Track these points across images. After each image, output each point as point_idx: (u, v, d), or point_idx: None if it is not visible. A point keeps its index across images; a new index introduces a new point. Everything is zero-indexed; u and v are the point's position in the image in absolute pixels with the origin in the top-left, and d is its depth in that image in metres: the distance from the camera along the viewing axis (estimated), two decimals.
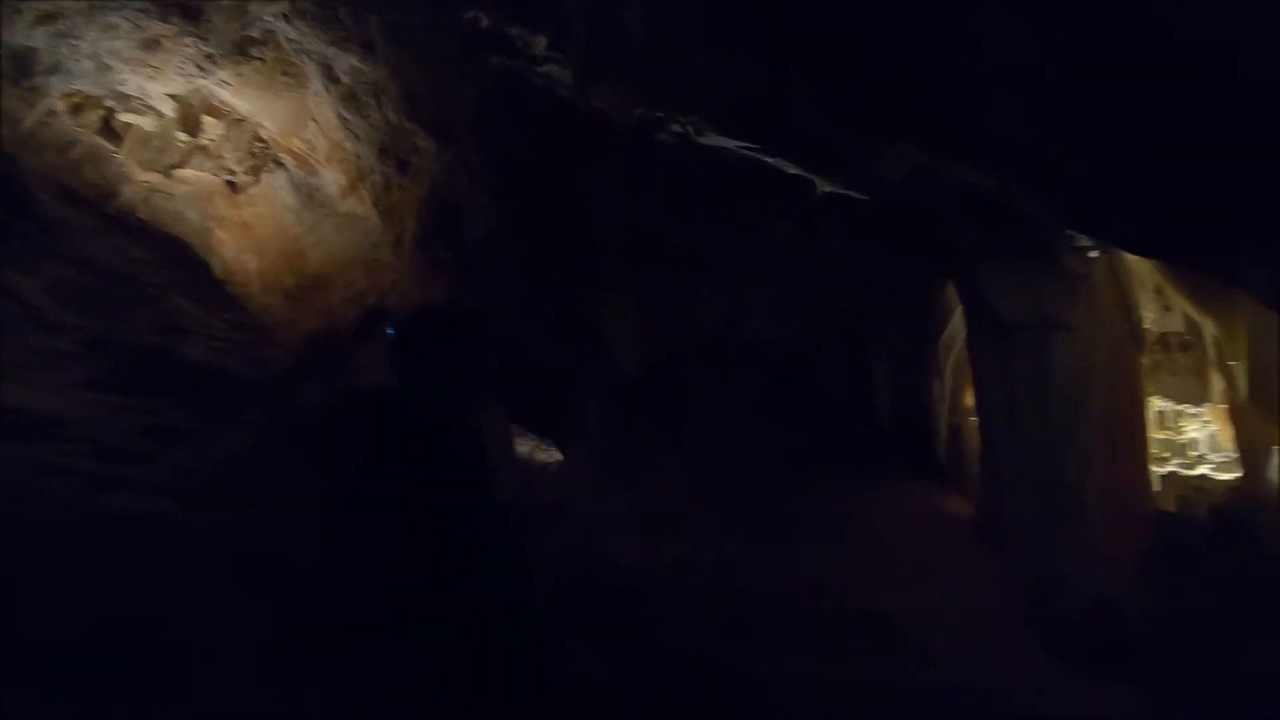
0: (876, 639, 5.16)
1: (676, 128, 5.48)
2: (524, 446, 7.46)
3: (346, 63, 7.14)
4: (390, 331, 2.33)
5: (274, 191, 8.82)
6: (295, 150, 8.43)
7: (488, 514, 2.16)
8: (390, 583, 2.13)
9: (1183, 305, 6.80)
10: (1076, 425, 6.59)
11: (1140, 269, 6.52)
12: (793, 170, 5.78)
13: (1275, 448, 7.03)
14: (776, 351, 7.19)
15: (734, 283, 7.05)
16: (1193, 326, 7.18)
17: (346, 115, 7.67)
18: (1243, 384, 6.45)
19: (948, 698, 4.26)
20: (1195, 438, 9.38)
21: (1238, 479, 9.70)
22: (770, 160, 5.69)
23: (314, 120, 7.95)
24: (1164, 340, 8.19)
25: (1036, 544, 6.22)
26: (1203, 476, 9.18)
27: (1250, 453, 7.01)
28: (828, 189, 5.92)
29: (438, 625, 2.09)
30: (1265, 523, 5.85)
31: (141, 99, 8.01)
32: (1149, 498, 6.84)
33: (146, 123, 8.26)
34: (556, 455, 8.11)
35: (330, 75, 7.36)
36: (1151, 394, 8.01)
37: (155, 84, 7.72)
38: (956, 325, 7.23)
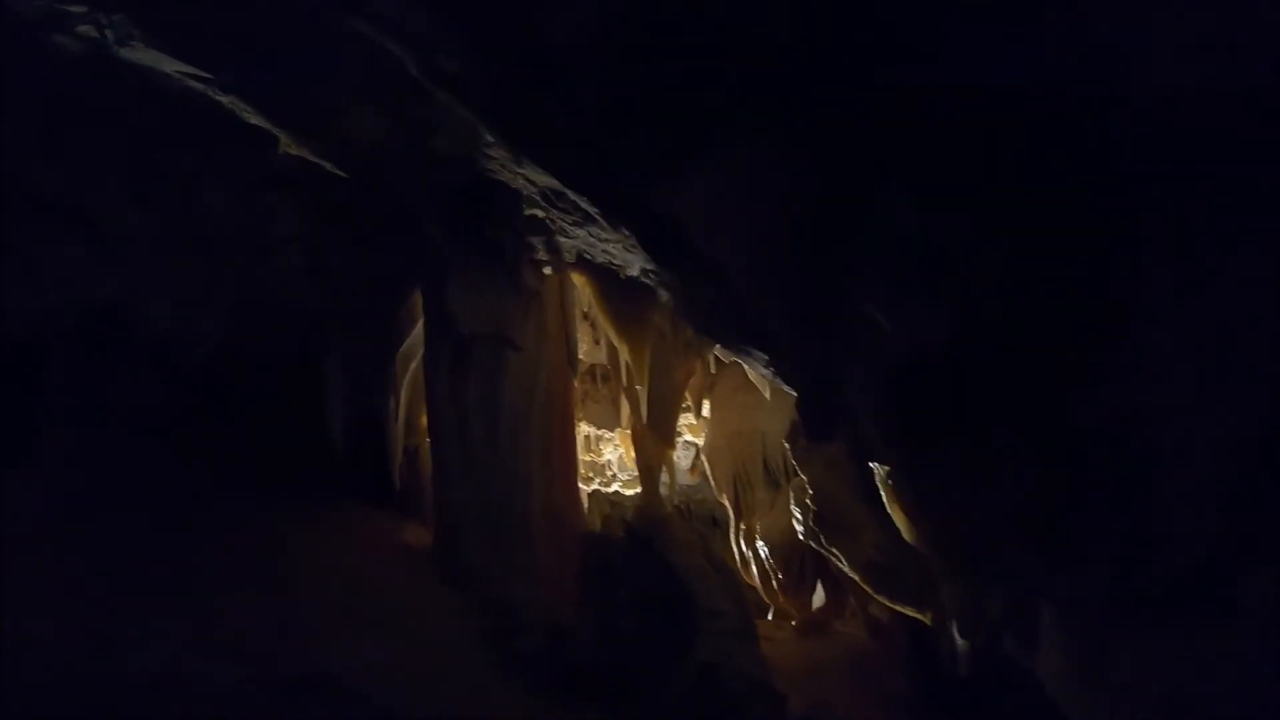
0: (325, 706, 4.19)
1: (89, 29, 3.76)
2: None
3: None
4: None
5: None
6: None
7: None
8: None
9: (607, 330, 7.23)
10: (522, 448, 6.57)
11: (581, 293, 6.77)
12: (253, 119, 4.52)
13: (664, 466, 8.13)
14: (190, 349, 5.54)
15: (128, 253, 5.23)
16: (614, 356, 7.83)
17: None
18: (644, 408, 7.20)
19: None
20: (610, 459, 10.56)
21: (639, 494, 11.14)
22: (224, 99, 4.34)
23: None
24: (591, 371, 8.97)
25: (491, 574, 5.93)
26: (616, 493, 10.33)
27: (647, 470, 7.94)
28: (294, 151, 4.78)
29: None
30: (666, 536, 6.45)
31: None
32: (581, 518, 7.17)
33: None
34: None
35: None
36: (580, 420, 8.65)
37: None
38: (416, 338, 6.65)
